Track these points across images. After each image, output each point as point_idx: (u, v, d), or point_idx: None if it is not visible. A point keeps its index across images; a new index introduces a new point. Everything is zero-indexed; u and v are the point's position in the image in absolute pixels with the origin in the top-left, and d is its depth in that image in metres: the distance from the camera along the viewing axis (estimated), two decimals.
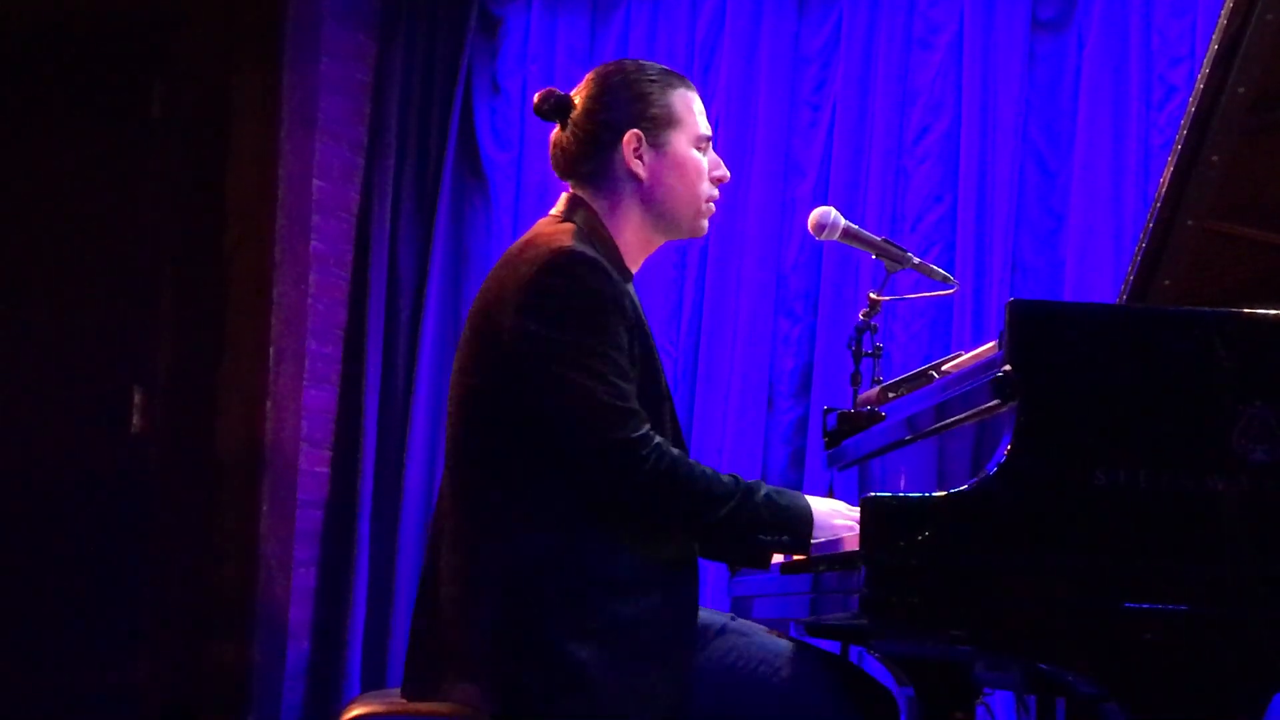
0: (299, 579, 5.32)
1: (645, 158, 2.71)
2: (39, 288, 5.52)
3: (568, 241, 2.60)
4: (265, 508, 5.24)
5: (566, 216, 2.71)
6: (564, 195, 2.76)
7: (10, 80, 5.56)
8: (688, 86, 2.78)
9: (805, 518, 2.60)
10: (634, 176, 2.72)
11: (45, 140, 5.55)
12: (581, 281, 2.55)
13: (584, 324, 2.53)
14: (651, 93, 2.73)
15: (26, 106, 5.57)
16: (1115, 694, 2.31)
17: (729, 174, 2.84)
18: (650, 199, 2.73)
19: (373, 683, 5.28)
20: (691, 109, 2.76)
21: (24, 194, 5.56)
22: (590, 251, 2.59)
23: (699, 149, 2.76)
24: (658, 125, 2.72)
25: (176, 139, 5.43)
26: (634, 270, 2.73)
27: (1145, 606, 2.30)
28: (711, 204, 2.79)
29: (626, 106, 2.72)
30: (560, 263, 2.56)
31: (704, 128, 2.78)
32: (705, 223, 2.80)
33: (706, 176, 2.77)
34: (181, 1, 5.44)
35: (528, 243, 2.65)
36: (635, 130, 2.71)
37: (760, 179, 5.17)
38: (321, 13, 5.42)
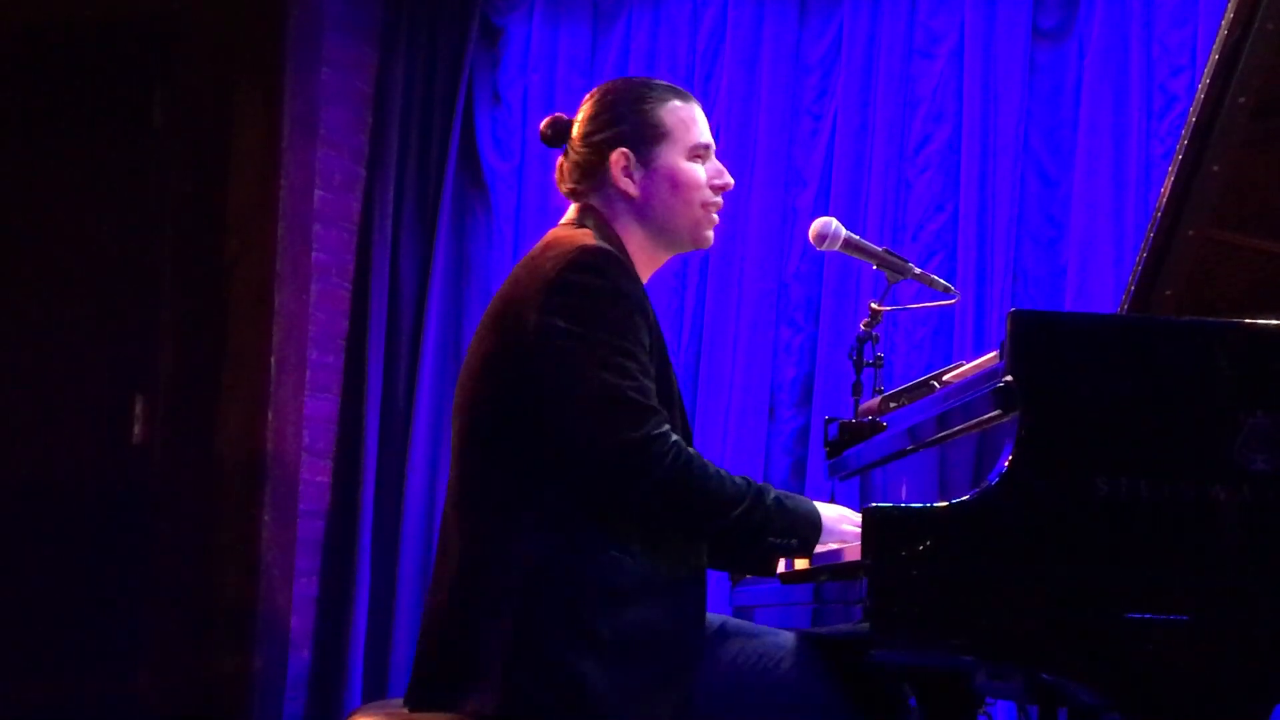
0: (300, 588, 5.32)
1: (635, 175, 2.71)
2: (41, 297, 5.52)
3: (591, 240, 2.60)
4: (266, 517, 5.23)
5: (580, 223, 2.71)
6: (574, 205, 2.76)
7: (11, 89, 5.57)
8: (681, 98, 2.77)
9: (814, 522, 2.60)
10: (626, 195, 2.71)
11: (47, 149, 5.55)
12: (607, 278, 2.55)
13: (609, 320, 2.52)
14: (637, 110, 2.72)
15: (28, 115, 5.57)
16: (1117, 705, 2.31)
17: (733, 181, 2.81)
18: (645, 216, 2.72)
19: (374, 693, 5.28)
20: (683, 119, 2.74)
21: (26, 203, 5.56)
22: (613, 250, 2.60)
23: (695, 159, 2.74)
24: (644, 141, 2.71)
25: (178, 148, 5.43)
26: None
27: (1147, 617, 2.30)
28: (713, 213, 2.77)
29: (612, 126, 2.72)
30: (585, 260, 2.56)
31: (701, 136, 2.75)
32: (709, 233, 2.78)
33: (704, 186, 2.74)
34: (183, 11, 5.45)
35: (548, 244, 2.65)
36: (622, 149, 2.71)
37: (761, 188, 5.17)
38: (323, 22, 5.43)
